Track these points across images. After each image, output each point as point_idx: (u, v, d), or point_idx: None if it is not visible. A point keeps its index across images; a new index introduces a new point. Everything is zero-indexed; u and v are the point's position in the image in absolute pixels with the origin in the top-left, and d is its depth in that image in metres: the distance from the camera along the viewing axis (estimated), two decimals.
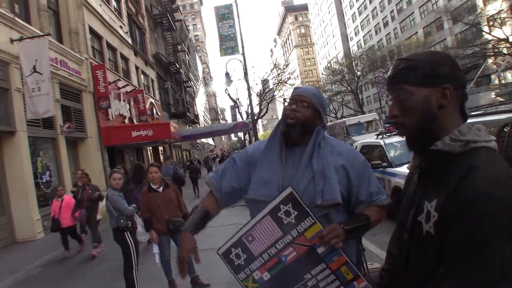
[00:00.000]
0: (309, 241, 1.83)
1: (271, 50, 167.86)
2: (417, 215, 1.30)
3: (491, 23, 33.90)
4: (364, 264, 2.26)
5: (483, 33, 35.75)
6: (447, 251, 1.14)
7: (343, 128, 27.86)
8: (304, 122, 2.13)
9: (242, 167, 2.34)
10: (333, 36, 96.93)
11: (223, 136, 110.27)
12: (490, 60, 35.07)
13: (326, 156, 2.10)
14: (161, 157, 32.13)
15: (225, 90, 37.62)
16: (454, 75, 1.27)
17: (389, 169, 8.55)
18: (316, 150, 2.13)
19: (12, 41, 11.85)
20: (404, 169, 7.85)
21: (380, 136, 10.59)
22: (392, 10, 64.80)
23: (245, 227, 1.95)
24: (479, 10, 36.65)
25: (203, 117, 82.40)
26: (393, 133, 10.34)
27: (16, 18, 12.28)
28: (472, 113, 6.46)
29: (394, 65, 1.37)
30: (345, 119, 31.92)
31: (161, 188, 5.99)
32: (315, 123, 2.17)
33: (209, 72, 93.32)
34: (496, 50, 33.11)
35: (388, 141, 9.54)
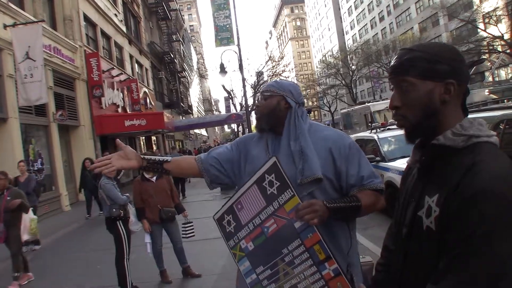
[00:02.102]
0: (287, 214, 1.82)
1: (266, 42, 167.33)
2: (417, 210, 1.29)
3: (486, 20, 33.99)
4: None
5: (479, 30, 35.85)
6: (447, 246, 1.12)
7: (366, 115, 22.99)
8: (268, 112, 2.21)
9: (234, 149, 2.39)
10: (329, 30, 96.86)
11: (216, 128, 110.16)
12: (484, 57, 35.17)
13: (303, 136, 2.11)
14: (154, 147, 32.11)
15: (222, 84, 37.59)
16: (459, 70, 1.25)
17: (382, 164, 8.57)
18: (292, 131, 2.15)
19: (5, 26, 11.72)
20: (398, 164, 7.88)
21: (374, 131, 10.64)
22: (389, 5, 64.78)
23: (236, 194, 1.98)
24: (475, 7, 36.74)
25: (197, 107, 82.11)
26: (387, 127, 10.38)
27: (10, 4, 12.14)
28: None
29: (399, 54, 1.34)
30: (368, 104, 23.86)
31: (155, 178, 5.97)
32: (282, 108, 2.20)
33: (203, 62, 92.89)
34: (491, 47, 33.18)
35: (382, 135, 9.57)
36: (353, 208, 1.97)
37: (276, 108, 2.19)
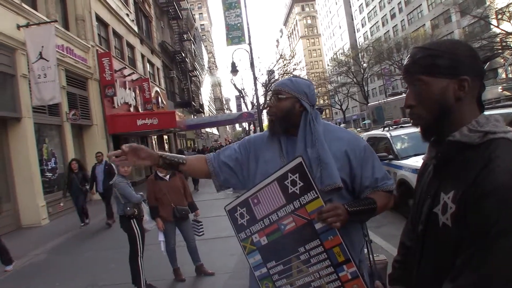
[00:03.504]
0: (309, 215, 1.82)
1: (277, 41, 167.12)
2: (433, 207, 1.28)
3: (499, 16, 33.57)
4: (370, 256, 2.26)
5: (491, 27, 35.44)
6: (464, 243, 1.12)
7: (403, 108, 19.77)
8: (282, 115, 2.16)
9: (242, 151, 2.36)
10: (340, 27, 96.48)
11: (227, 126, 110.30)
12: (498, 52, 34.80)
13: (320, 142, 2.08)
14: (166, 146, 32.23)
15: (231, 80, 37.57)
16: (472, 66, 1.24)
17: (395, 162, 8.52)
18: (308, 137, 2.12)
19: (19, 27, 11.84)
20: (411, 162, 7.82)
21: (387, 129, 10.60)
22: (400, 2, 64.33)
23: (253, 189, 1.97)
24: (487, 3, 36.27)
25: (208, 106, 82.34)
26: (400, 125, 10.33)
27: (23, 4, 12.25)
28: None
29: (412, 53, 1.34)
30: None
31: (168, 176, 5.99)
32: (297, 112, 2.16)
33: (214, 61, 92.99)
34: (504, 44, 32.79)
35: (394, 133, 9.52)
36: (371, 210, 1.99)
37: (290, 111, 2.15)
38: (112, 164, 10.59)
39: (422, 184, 1.44)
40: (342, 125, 58.31)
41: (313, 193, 1.80)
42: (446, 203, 1.21)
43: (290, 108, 2.15)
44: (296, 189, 1.83)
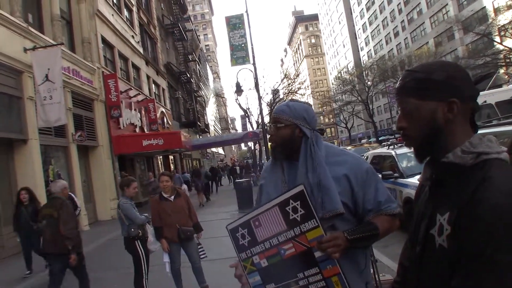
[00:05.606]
0: (308, 243, 1.82)
1: (282, 60, 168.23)
2: (430, 228, 1.28)
3: (502, 33, 33.69)
4: (376, 276, 2.23)
5: (495, 43, 35.55)
6: (459, 264, 1.12)
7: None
8: (282, 142, 2.17)
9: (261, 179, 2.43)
10: (344, 46, 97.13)
11: (233, 146, 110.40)
12: (501, 70, 34.82)
13: (321, 167, 2.06)
14: (171, 166, 32.26)
15: (236, 99, 37.73)
16: (462, 88, 1.26)
17: (401, 180, 8.48)
18: (309, 162, 2.10)
19: (25, 50, 12.01)
20: (416, 180, 7.77)
21: (392, 147, 10.57)
22: (403, 20, 64.81)
23: (255, 211, 1.97)
24: (490, 20, 36.47)
25: (214, 126, 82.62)
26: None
27: (30, 28, 12.45)
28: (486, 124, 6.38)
29: (402, 76, 1.37)
30: (485, 92, 13.39)
31: (172, 197, 5.98)
32: (297, 137, 2.16)
33: (219, 81, 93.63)
34: (508, 60, 32.85)
35: (399, 151, 9.49)
36: (372, 236, 1.96)
37: (290, 138, 2.15)
38: (73, 196, 8.97)
39: (419, 204, 1.44)
40: (363, 140, 58.02)
41: (313, 221, 1.80)
42: (442, 224, 1.21)
43: (289, 135, 2.15)
44: (297, 216, 1.83)
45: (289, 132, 2.15)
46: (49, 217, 5.78)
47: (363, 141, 57.03)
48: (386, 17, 71.40)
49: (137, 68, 25.15)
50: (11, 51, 11.36)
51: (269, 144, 2.33)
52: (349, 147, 29.22)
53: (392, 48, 69.10)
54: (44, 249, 6.00)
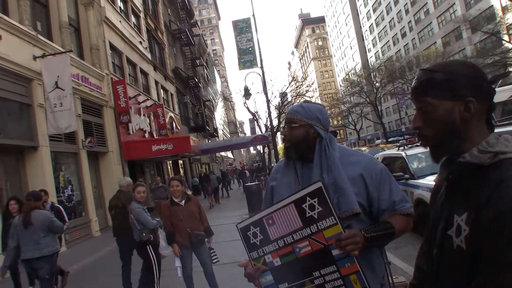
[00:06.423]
0: (326, 240, 1.79)
1: (289, 63, 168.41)
2: (447, 229, 1.26)
3: (510, 31, 33.48)
4: (390, 278, 2.22)
5: (503, 42, 35.32)
6: (479, 266, 1.10)
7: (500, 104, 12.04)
8: (296, 142, 2.17)
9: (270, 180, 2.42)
10: (351, 48, 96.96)
11: (242, 150, 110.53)
12: (511, 69, 34.59)
13: (336, 168, 2.06)
14: (181, 171, 32.35)
15: (244, 103, 37.76)
16: (478, 87, 1.24)
17: (412, 181, 8.42)
18: (324, 162, 2.10)
19: (35, 58, 12.10)
20: (427, 181, 7.72)
21: (402, 148, 10.52)
22: (410, 21, 64.60)
23: (269, 209, 1.94)
24: (498, 19, 36.25)
25: (222, 130, 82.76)
26: (415, 144, 10.25)
27: (39, 36, 12.56)
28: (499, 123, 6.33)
29: (418, 75, 1.36)
30: (503, 88, 12.19)
31: (183, 202, 5.98)
32: (311, 137, 2.16)
33: (227, 85, 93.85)
34: None
35: (409, 152, 9.44)
36: (389, 235, 1.95)
37: (304, 138, 2.15)
38: (60, 206, 8.39)
39: (435, 206, 1.42)
40: (378, 141, 57.79)
41: (332, 219, 1.78)
42: (460, 225, 1.19)
43: (304, 135, 2.15)
44: (314, 214, 1.81)
45: (303, 132, 2.15)
46: (116, 207, 7.07)
47: (378, 141, 56.65)
48: (393, 18, 71.21)
49: (145, 74, 25.27)
50: (20, 59, 11.46)
51: (282, 143, 2.29)
52: (363, 148, 29.17)
53: (400, 49, 68.87)
54: (113, 234, 7.20)
